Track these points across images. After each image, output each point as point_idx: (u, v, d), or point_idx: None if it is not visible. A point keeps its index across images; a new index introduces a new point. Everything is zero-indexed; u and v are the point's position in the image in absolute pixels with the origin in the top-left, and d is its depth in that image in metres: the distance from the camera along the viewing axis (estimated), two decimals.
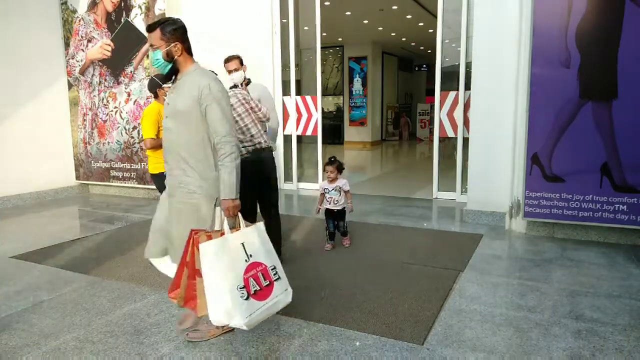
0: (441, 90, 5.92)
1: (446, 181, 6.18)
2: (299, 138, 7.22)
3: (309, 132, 6.96)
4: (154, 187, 6.35)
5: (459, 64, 5.64)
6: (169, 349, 2.56)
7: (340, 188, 4.13)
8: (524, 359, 2.40)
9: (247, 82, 4.23)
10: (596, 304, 3.02)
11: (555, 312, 2.91)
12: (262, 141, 3.62)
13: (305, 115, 6.94)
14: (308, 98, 6.94)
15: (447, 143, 6.36)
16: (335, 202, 4.13)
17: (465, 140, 5.57)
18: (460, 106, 5.70)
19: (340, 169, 4.15)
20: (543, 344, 2.53)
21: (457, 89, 5.74)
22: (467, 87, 5.43)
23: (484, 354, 2.44)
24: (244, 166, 3.54)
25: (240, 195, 3.71)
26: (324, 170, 4.33)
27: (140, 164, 6.84)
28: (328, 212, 4.20)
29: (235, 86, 4.07)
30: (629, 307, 2.97)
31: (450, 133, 5.87)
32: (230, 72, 4.01)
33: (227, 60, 4.11)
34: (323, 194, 4.20)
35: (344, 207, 4.18)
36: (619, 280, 3.40)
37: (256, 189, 3.71)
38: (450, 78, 5.96)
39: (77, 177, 7.58)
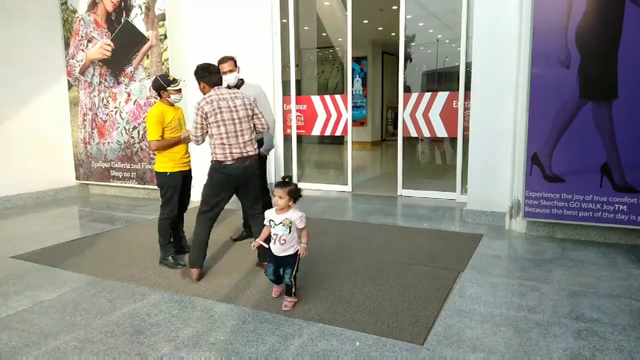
0: (404, 92, 6.12)
1: (410, 179, 6.48)
2: (299, 138, 7.21)
3: (338, 132, 6.80)
4: (153, 187, 6.37)
5: (424, 66, 5.90)
6: (169, 349, 2.56)
7: (290, 222, 2.88)
8: (524, 359, 2.40)
9: (241, 82, 4.21)
10: (596, 304, 3.02)
11: (555, 312, 2.91)
12: (251, 149, 3.51)
13: (334, 115, 6.81)
14: (337, 97, 6.77)
15: (415, 143, 6.83)
16: (282, 241, 2.88)
17: (452, 140, 5.74)
18: (460, 106, 5.70)
19: (294, 194, 2.92)
20: (543, 344, 2.53)
21: (420, 91, 6.06)
22: (467, 87, 5.43)
23: (484, 354, 2.44)
24: (228, 173, 3.46)
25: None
26: (272, 194, 3.34)
27: (140, 164, 6.84)
28: (269, 252, 2.98)
29: (228, 87, 4.06)
30: (629, 307, 2.97)
31: (413, 133, 6.14)
32: (225, 73, 3.94)
33: (222, 61, 4.05)
34: (268, 227, 2.98)
35: (296, 252, 2.93)
36: (619, 280, 3.40)
37: (241, 195, 3.62)
38: (418, 80, 6.46)
39: (77, 177, 7.58)
